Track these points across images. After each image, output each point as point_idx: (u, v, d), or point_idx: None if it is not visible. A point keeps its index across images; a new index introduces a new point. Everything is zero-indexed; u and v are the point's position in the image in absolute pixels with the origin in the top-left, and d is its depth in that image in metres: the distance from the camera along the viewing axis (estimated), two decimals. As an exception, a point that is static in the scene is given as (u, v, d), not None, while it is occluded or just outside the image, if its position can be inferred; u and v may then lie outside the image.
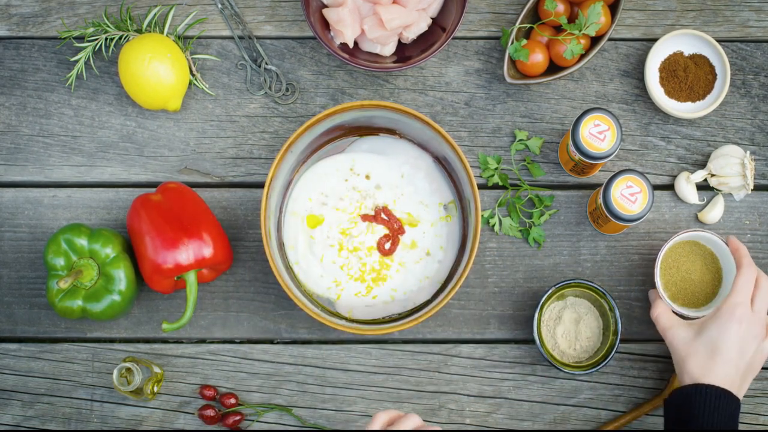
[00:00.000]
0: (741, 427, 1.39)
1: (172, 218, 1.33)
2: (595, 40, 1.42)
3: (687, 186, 1.41)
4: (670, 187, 1.43)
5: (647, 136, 1.44)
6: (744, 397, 1.40)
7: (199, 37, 1.46)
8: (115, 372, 1.30)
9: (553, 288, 1.36)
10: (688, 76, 1.42)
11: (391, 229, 1.40)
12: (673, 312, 1.33)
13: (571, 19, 1.42)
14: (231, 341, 1.41)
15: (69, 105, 1.45)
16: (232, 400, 1.39)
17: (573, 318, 1.38)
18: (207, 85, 1.45)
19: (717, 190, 1.43)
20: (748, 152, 1.41)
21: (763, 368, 1.41)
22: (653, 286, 1.39)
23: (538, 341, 1.36)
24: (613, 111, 1.44)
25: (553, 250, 1.42)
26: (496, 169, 1.43)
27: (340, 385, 1.40)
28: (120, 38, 1.43)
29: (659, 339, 1.40)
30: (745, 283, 1.27)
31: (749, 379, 1.26)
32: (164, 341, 1.41)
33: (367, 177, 1.41)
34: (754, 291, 1.27)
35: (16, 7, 1.46)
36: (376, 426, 1.18)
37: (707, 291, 1.37)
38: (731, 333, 1.24)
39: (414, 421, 1.19)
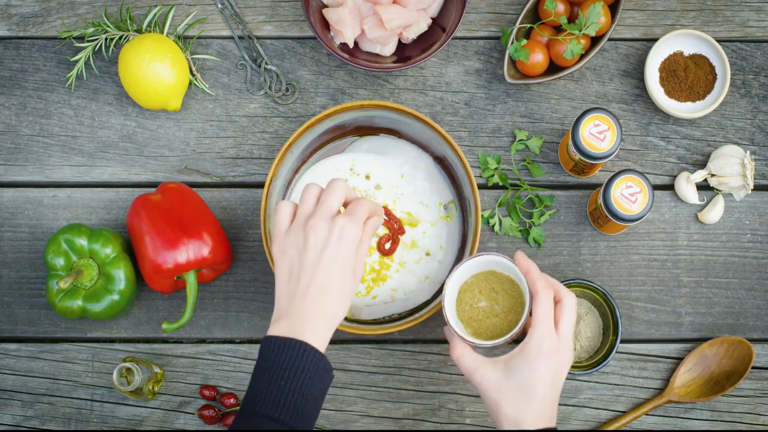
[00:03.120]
0: (741, 427, 1.40)
1: (172, 218, 1.33)
2: (595, 40, 1.42)
3: (687, 186, 1.41)
4: (670, 187, 1.44)
5: (647, 136, 1.44)
6: (744, 397, 1.40)
7: (199, 37, 1.46)
8: (115, 372, 1.30)
9: (553, 288, 1.36)
10: (688, 76, 1.42)
11: (391, 229, 1.40)
12: (475, 346, 1.22)
13: (571, 19, 1.42)
14: (231, 341, 1.41)
15: (69, 105, 1.45)
16: (232, 400, 1.39)
17: (573, 318, 1.38)
18: (207, 85, 1.45)
19: (717, 190, 1.43)
20: (748, 152, 1.41)
21: (761, 368, 1.41)
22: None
23: (537, 341, 1.36)
24: (613, 111, 1.44)
25: (553, 250, 1.42)
26: (496, 169, 1.43)
27: (340, 385, 1.40)
28: (120, 38, 1.43)
29: (659, 339, 1.40)
30: (545, 311, 1.17)
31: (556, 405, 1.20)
32: (164, 341, 1.41)
33: (367, 177, 1.41)
34: (556, 311, 1.19)
35: (16, 7, 1.46)
36: (311, 201, 1.19)
37: (510, 319, 1.24)
38: (542, 370, 1.16)
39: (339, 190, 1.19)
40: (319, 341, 1.13)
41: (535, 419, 1.16)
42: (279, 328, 1.14)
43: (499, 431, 1.18)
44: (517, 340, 1.22)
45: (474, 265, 1.25)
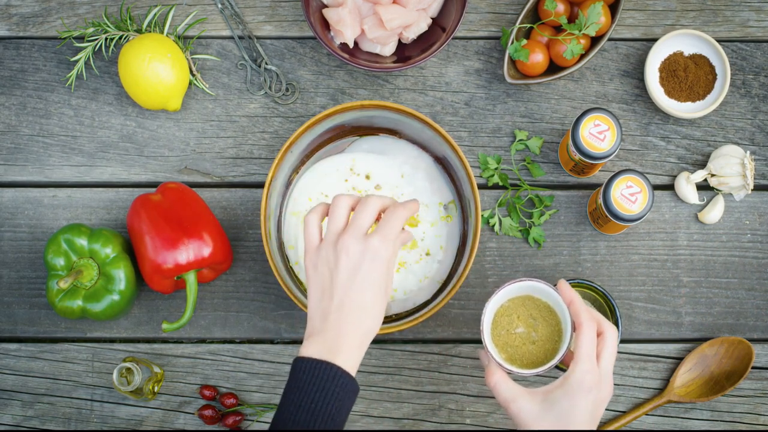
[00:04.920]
0: (741, 427, 1.40)
1: (172, 218, 1.33)
2: (595, 40, 1.42)
3: (687, 186, 1.41)
4: (670, 187, 1.44)
5: (647, 136, 1.44)
6: (744, 397, 1.40)
7: (199, 37, 1.46)
8: (115, 372, 1.30)
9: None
10: (688, 76, 1.42)
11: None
12: (511, 374, 1.20)
13: (571, 19, 1.42)
14: (231, 341, 1.41)
15: (69, 105, 1.45)
16: (232, 400, 1.39)
17: (573, 318, 1.38)
18: (207, 85, 1.45)
19: (717, 190, 1.43)
20: (748, 152, 1.41)
21: (761, 368, 1.41)
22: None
23: (538, 341, 1.36)
24: (613, 111, 1.44)
25: (553, 250, 1.42)
26: (496, 169, 1.43)
27: (340, 385, 1.40)
28: (120, 38, 1.43)
29: (659, 339, 1.40)
30: (588, 345, 1.15)
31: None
32: (164, 341, 1.41)
33: (367, 177, 1.41)
34: (598, 345, 1.17)
35: (16, 7, 1.46)
36: (342, 212, 1.19)
37: (547, 348, 1.21)
38: (582, 405, 1.13)
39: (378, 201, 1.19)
40: (351, 361, 1.13)
41: None
42: (311, 347, 1.13)
43: None
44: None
45: (514, 289, 1.21)
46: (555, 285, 1.20)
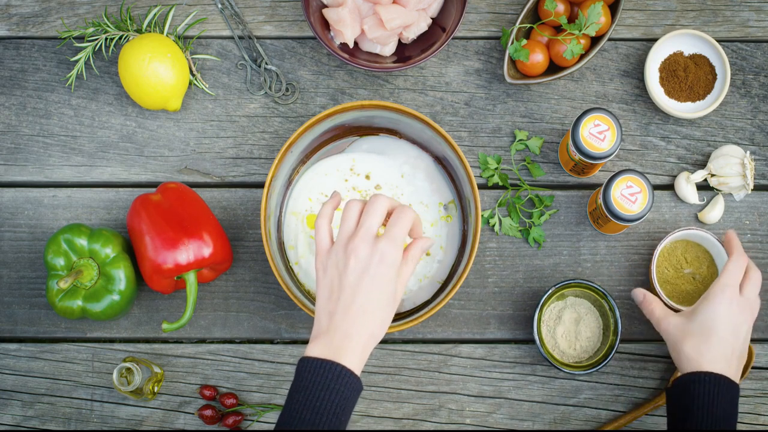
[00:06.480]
0: (741, 427, 1.39)
1: (172, 218, 1.33)
2: (595, 40, 1.42)
3: (687, 186, 1.41)
4: (670, 187, 1.44)
5: (647, 136, 1.44)
6: (744, 397, 1.40)
7: (199, 37, 1.46)
8: (115, 372, 1.30)
9: (553, 288, 1.36)
10: (688, 76, 1.42)
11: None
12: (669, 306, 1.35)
13: (571, 19, 1.42)
14: (231, 341, 1.41)
15: (69, 105, 1.45)
16: (232, 400, 1.39)
17: (573, 318, 1.38)
18: (207, 85, 1.45)
19: (717, 190, 1.43)
20: (748, 152, 1.41)
21: (761, 368, 1.41)
22: (647, 285, 1.39)
23: (538, 341, 1.36)
24: (613, 111, 1.44)
25: (553, 250, 1.42)
26: (496, 169, 1.43)
27: (340, 385, 1.40)
28: (120, 38, 1.43)
29: (659, 339, 1.40)
30: (735, 267, 1.29)
31: (741, 366, 1.27)
32: (164, 341, 1.41)
33: (367, 177, 1.41)
34: (743, 279, 1.29)
35: (16, 7, 1.46)
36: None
37: (701, 290, 1.38)
38: (723, 312, 1.26)
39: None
40: (355, 362, 1.15)
41: (713, 361, 1.24)
42: (317, 347, 1.15)
43: None
44: None
45: (681, 235, 1.37)
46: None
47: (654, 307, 1.33)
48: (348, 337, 1.14)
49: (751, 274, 1.30)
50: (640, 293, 1.35)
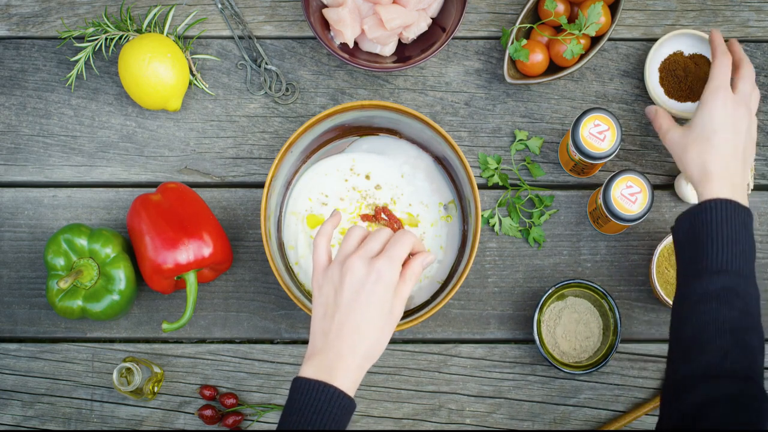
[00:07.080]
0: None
1: (172, 218, 1.33)
2: (595, 40, 1.42)
3: (687, 186, 1.41)
4: (670, 187, 1.44)
5: (647, 136, 1.44)
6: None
7: (199, 37, 1.46)
8: (115, 372, 1.30)
9: (553, 288, 1.36)
10: (688, 76, 1.42)
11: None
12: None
13: (571, 19, 1.42)
14: (231, 341, 1.41)
15: (69, 105, 1.45)
16: (232, 400, 1.39)
17: (573, 318, 1.38)
18: (207, 85, 1.45)
19: (717, 190, 1.42)
20: (748, 152, 1.41)
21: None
22: (647, 285, 1.39)
23: (538, 341, 1.36)
24: (613, 111, 1.44)
25: (553, 250, 1.42)
26: (496, 169, 1.43)
27: (340, 385, 1.40)
28: (120, 38, 1.43)
29: (659, 339, 1.40)
30: (720, 68, 1.29)
31: (748, 172, 1.27)
32: (164, 341, 1.41)
33: (367, 177, 1.41)
34: (735, 76, 1.30)
35: (16, 7, 1.46)
36: (353, 243, 1.18)
37: None
38: (719, 114, 1.27)
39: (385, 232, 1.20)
40: (349, 382, 1.13)
41: (717, 165, 1.24)
42: (310, 367, 1.13)
43: None
44: None
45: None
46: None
47: (662, 122, 1.34)
48: (341, 358, 1.13)
49: (741, 69, 1.31)
50: (652, 109, 1.37)
